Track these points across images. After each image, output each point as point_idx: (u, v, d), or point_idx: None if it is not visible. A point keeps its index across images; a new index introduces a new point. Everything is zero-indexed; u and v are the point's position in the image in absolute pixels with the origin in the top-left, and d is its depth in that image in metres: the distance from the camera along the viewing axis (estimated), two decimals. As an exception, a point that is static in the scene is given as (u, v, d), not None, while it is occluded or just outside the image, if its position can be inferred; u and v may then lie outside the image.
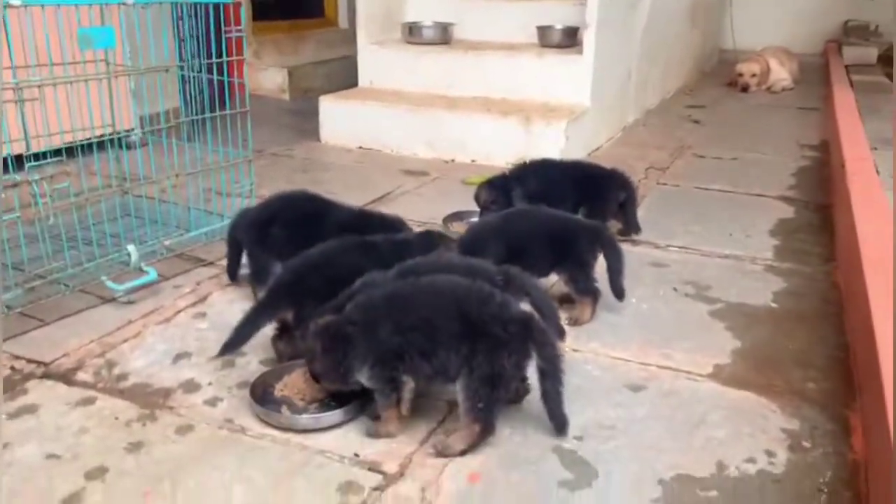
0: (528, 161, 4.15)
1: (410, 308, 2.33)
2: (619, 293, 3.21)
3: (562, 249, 3.17)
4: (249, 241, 3.34)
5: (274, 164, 5.59)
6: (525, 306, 2.57)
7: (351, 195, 4.82)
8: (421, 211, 4.56)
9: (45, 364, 2.80)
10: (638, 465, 2.28)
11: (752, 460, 2.31)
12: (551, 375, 2.34)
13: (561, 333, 2.72)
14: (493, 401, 2.29)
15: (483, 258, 3.11)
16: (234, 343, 2.72)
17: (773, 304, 3.36)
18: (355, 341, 2.31)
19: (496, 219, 3.38)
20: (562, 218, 3.33)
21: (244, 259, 3.39)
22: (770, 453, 2.34)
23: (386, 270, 2.60)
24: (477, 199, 4.07)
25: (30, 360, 2.82)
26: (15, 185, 2.91)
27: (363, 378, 2.35)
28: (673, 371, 2.80)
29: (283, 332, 2.77)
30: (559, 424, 2.37)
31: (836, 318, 3.23)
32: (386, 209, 4.50)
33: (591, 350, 2.94)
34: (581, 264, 3.16)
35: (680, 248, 4.01)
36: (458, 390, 2.31)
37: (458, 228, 4.19)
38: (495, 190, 4.02)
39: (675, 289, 3.51)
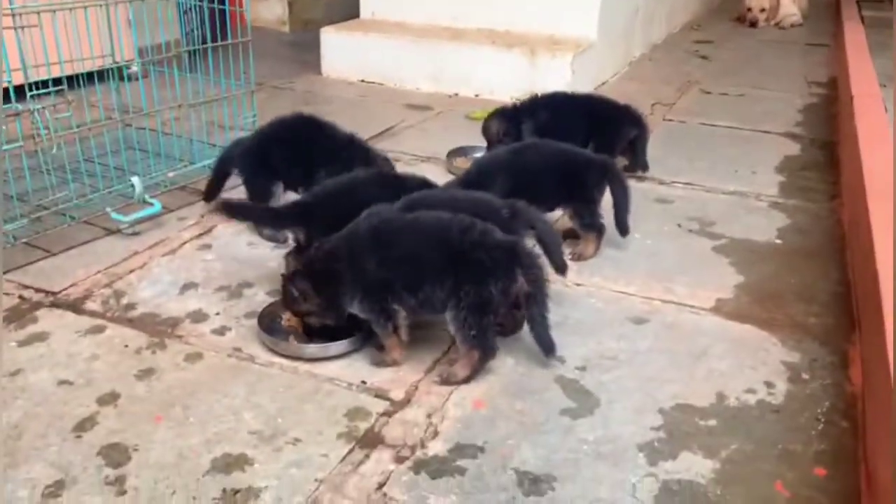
0: (538, 94, 4.09)
1: (394, 242, 2.35)
2: (623, 229, 3.21)
3: (569, 184, 3.16)
4: (246, 168, 3.34)
5: (275, 97, 5.52)
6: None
7: (354, 127, 4.77)
8: (424, 146, 4.53)
9: (54, 293, 2.82)
10: (640, 394, 2.32)
11: (751, 391, 2.35)
12: (537, 300, 2.37)
13: (564, 268, 2.73)
14: (484, 327, 2.31)
15: (490, 192, 3.11)
16: (234, 210, 2.86)
17: (778, 241, 3.37)
18: (342, 276, 2.34)
19: (504, 152, 3.36)
20: (570, 152, 3.30)
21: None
22: (770, 384, 2.38)
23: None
24: (486, 130, 4.03)
25: (38, 290, 2.84)
26: (17, 115, 2.88)
27: (355, 310, 2.39)
28: (676, 305, 2.82)
29: (298, 250, 2.79)
30: (546, 348, 2.40)
31: (839, 254, 3.24)
32: (389, 144, 4.50)
33: (594, 284, 2.96)
34: (587, 200, 3.15)
35: (685, 184, 4.00)
36: (448, 322, 2.34)
37: (461, 164, 4.16)
38: (505, 122, 3.98)
39: (679, 225, 3.51)
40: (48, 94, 3.00)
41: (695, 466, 2.03)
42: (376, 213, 2.54)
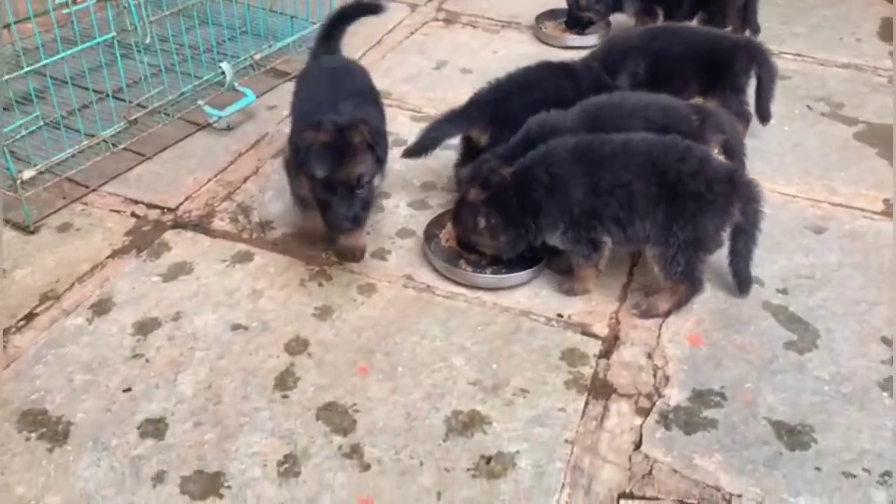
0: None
1: (605, 169, 2.08)
2: (765, 115, 2.96)
3: (715, 71, 2.87)
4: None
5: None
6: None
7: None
8: (500, 7, 4.08)
9: (171, 210, 2.50)
10: (853, 320, 2.19)
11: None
12: (748, 234, 2.17)
13: (744, 170, 2.52)
14: (695, 263, 2.12)
15: (621, 77, 2.82)
16: (421, 148, 2.49)
17: (915, 125, 3.17)
18: (542, 208, 2.09)
19: (638, 35, 3.00)
20: (713, 35, 2.98)
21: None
22: (979, 302, 2.27)
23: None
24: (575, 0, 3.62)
25: (150, 205, 2.52)
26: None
27: (554, 241, 2.16)
28: (846, 209, 2.65)
29: (467, 157, 2.51)
30: (744, 283, 2.23)
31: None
32: (459, 6, 4.05)
33: (754, 184, 2.75)
34: (735, 88, 2.87)
35: (795, 55, 3.71)
36: (650, 256, 2.14)
37: (552, 30, 3.78)
38: (598, -10, 3.58)
39: (808, 107, 3.27)
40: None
41: (944, 405, 1.95)
42: (548, 123, 2.26)
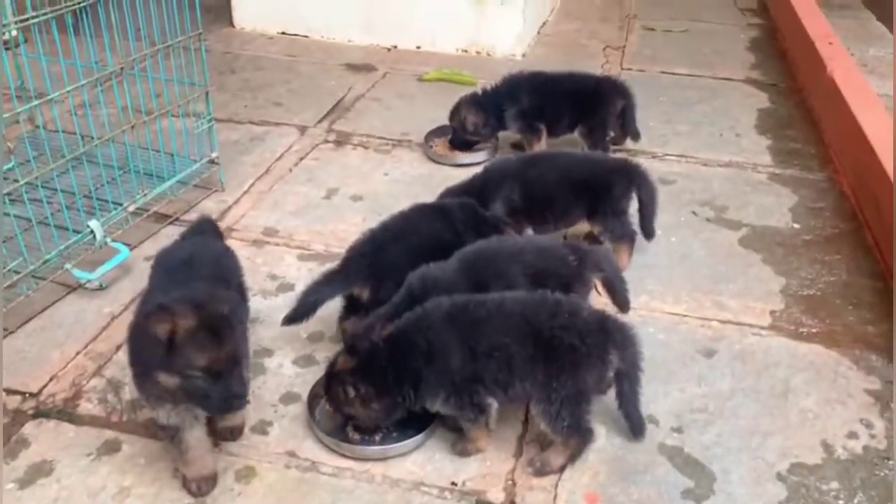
0: (514, 73, 3.71)
1: (482, 332, 2.03)
2: (649, 233, 2.99)
3: (596, 197, 2.89)
4: None
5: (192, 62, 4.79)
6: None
7: (303, 104, 4.28)
8: (388, 123, 4.08)
9: (34, 395, 2.32)
10: (748, 457, 2.17)
11: (853, 435, 2.25)
12: (630, 376, 2.14)
13: (627, 306, 2.52)
14: (580, 414, 2.06)
15: (496, 203, 2.83)
16: (300, 314, 2.37)
17: (795, 225, 3.27)
18: (421, 374, 2.01)
19: (516, 161, 3.02)
20: (590, 161, 3.03)
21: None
22: (867, 424, 2.29)
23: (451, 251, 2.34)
24: (462, 122, 3.63)
25: (11, 391, 2.33)
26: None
27: (436, 408, 2.08)
28: (735, 325, 2.67)
29: (351, 310, 2.42)
30: (637, 427, 2.19)
31: (857, 235, 3.18)
32: (347, 124, 4.04)
33: (644, 306, 2.75)
34: (616, 212, 2.89)
35: (678, 156, 3.81)
36: (534, 413, 2.08)
37: (441, 148, 3.78)
38: (483, 111, 3.60)
39: (694, 213, 3.34)
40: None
41: (844, 551, 1.92)
42: (430, 279, 2.22)
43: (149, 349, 1.79)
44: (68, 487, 2.03)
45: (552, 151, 3.30)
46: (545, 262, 2.29)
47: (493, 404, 2.07)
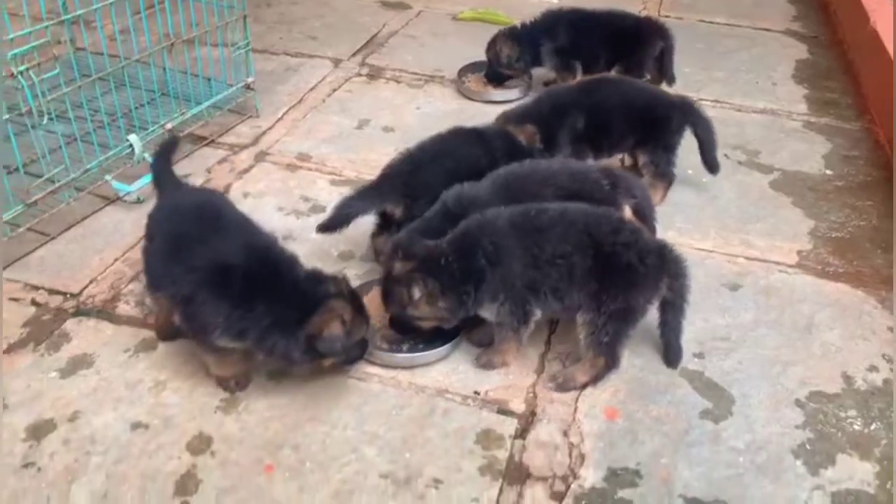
0: (553, 9, 3.68)
1: (544, 240, 2.05)
2: (713, 166, 2.98)
3: (648, 129, 2.89)
4: None
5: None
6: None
7: (337, 38, 4.28)
8: (421, 59, 4.08)
9: (74, 295, 2.40)
10: (767, 383, 2.20)
11: (874, 368, 2.27)
12: (677, 308, 2.17)
13: (654, 234, 2.53)
14: (621, 336, 2.11)
15: (558, 130, 2.81)
16: (334, 224, 2.41)
17: (828, 171, 3.24)
18: (485, 277, 2.04)
19: (576, 88, 3.01)
20: (649, 93, 3.01)
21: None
22: (888, 359, 2.30)
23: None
24: (496, 55, 3.62)
25: (52, 291, 2.41)
26: (-4, 79, 2.30)
27: (487, 313, 2.12)
28: (761, 262, 2.68)
29: (384, 227, 2.46)
30: (674, 357, 2.23)
31: (889, 184, 3.14)
32: (381, 59, 4.04)
33: (672, 240, 2.71)
34: (666, 147, 2.89)
35: (713, 101, 3.78)
36: (580, 323, 2.11)
37: (474, 84, 3.78)
38: (518, 45, 3.59)
39: (726, 155, 3.32)
40: (31, 50, 2.39)
41: (857, 473, 1.95)
42: (465, 195, 2.25)
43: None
44: (107, 379, 2.11)
45: (610, 77, 3.27)
46: (578, 185, 2.31)
47: (538, 315, 2.11)
